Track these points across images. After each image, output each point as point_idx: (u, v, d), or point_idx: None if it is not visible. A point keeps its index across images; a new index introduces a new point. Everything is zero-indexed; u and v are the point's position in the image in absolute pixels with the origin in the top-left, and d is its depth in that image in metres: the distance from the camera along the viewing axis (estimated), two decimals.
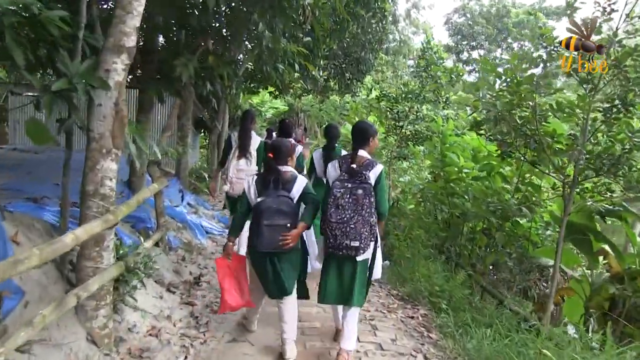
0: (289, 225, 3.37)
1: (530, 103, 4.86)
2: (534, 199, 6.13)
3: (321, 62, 10.56)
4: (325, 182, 3.87)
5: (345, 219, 3.31)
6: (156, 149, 4.10)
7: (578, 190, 5.04)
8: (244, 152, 5.14)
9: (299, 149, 5.65)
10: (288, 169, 3.57)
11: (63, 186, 3.53)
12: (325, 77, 13.77)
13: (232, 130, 9.20)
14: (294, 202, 3.46)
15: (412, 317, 4.79)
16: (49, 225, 3.79)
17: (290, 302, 3.61)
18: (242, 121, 5.35)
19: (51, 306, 2.54)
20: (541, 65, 4.90)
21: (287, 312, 3.58)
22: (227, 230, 5.03)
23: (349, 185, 3.37)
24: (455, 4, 49.88)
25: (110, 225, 3.20)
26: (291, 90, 14.83)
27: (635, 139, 4.42)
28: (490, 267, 7.04)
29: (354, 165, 3.42)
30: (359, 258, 3.41)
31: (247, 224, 3.66)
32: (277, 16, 5.03)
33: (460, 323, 4.33)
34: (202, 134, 14.55)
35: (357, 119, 11.09)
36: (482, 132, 5.71)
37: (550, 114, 4.88)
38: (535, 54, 4.98)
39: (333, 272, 3.53)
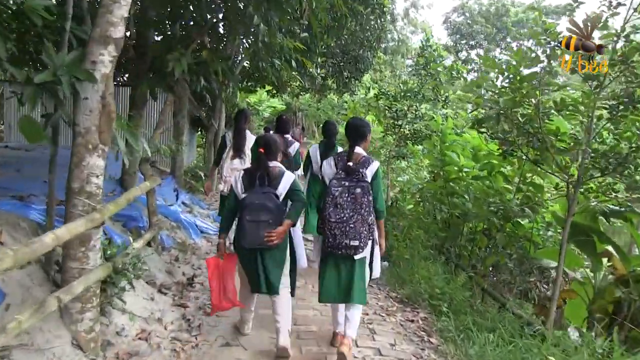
0: (270, 221, 3.31)
1: (533, 100, 4.76)
2: (536, 199, 6.01)
3: (319, 59, 10.44)
4: (321, 178, 3.77)
5: (344, 218, 3.29)
6: (146, 145, 3.96)
7: (582, 190, 4.93)
8: (238, 152, 5.10)
9: (296, 146, 5.56)
10: (277, 164, 3.53)
11: (49, 183, 3.40)
12: (323, 75, 13.66)
13: (228, 130, 9.09)
14: (280, 199, 3.41)
15: (412, 321, 4.64)
16: (36, 224, 3.68)
17: (284, 297, 3.56)
18: (236, 121, 5.29)
19: (29, 310, 2.39)
20: (545, 62, 4.77)
21: (280, 306, 3.53)
22: None
23: (347, 184, 3.34)
24: (454, 3, 50.03)
25: (97, 225, 3.07)
26: (289, 89, 14.70)
27: None
28: (490, 269, 6.93)
29: (351, 163, 3.39)
30: (357, 256, 3.38)
31: None
32: (273, 9, 4.91)
33: (462, 327, 4.19)
34: (200, 132, 14.44)
35: None
36: (483, 130, 5.61)
37: (553, 111, 4.77)
38: (539, 51, 4.86)
39: (331, 271, 3.49)
